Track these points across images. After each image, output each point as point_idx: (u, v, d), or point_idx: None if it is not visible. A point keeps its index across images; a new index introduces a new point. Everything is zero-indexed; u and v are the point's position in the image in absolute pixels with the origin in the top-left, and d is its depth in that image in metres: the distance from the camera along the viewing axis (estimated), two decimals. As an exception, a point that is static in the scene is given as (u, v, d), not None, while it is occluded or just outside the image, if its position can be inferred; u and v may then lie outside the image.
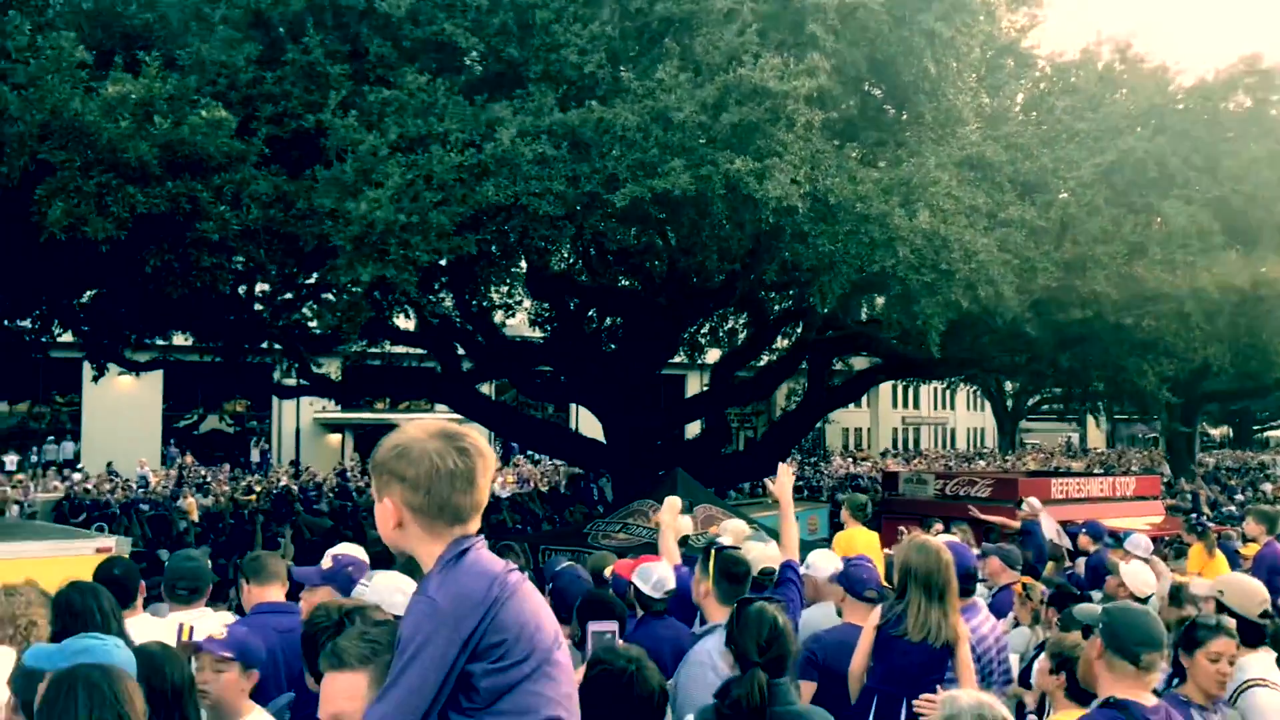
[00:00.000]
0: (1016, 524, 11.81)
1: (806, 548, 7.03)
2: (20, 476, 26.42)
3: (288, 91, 10.58)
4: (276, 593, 4.79)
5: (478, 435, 2.42)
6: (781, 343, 21.84)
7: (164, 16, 11.32)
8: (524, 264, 15.94)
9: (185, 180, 9.85)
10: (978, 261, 11.23)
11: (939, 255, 10.99)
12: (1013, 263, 12.07)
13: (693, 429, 24.58)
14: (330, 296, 14.71)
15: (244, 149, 10.19)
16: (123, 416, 32.27)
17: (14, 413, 35.30)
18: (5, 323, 15.65)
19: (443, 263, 12.93)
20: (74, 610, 3.84)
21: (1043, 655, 4.81)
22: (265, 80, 10.64)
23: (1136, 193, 14.75)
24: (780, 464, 6.41)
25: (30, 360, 17.93)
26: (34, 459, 33.12)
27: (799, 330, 19.74)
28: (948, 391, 58.51)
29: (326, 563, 4.74)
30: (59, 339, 16.86)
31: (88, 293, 15.12)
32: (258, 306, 15.50)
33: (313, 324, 16.60)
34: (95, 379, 18.05)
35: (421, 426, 2.40)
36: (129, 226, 9.70)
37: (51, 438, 34.86)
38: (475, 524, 2.38)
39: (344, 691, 2.38)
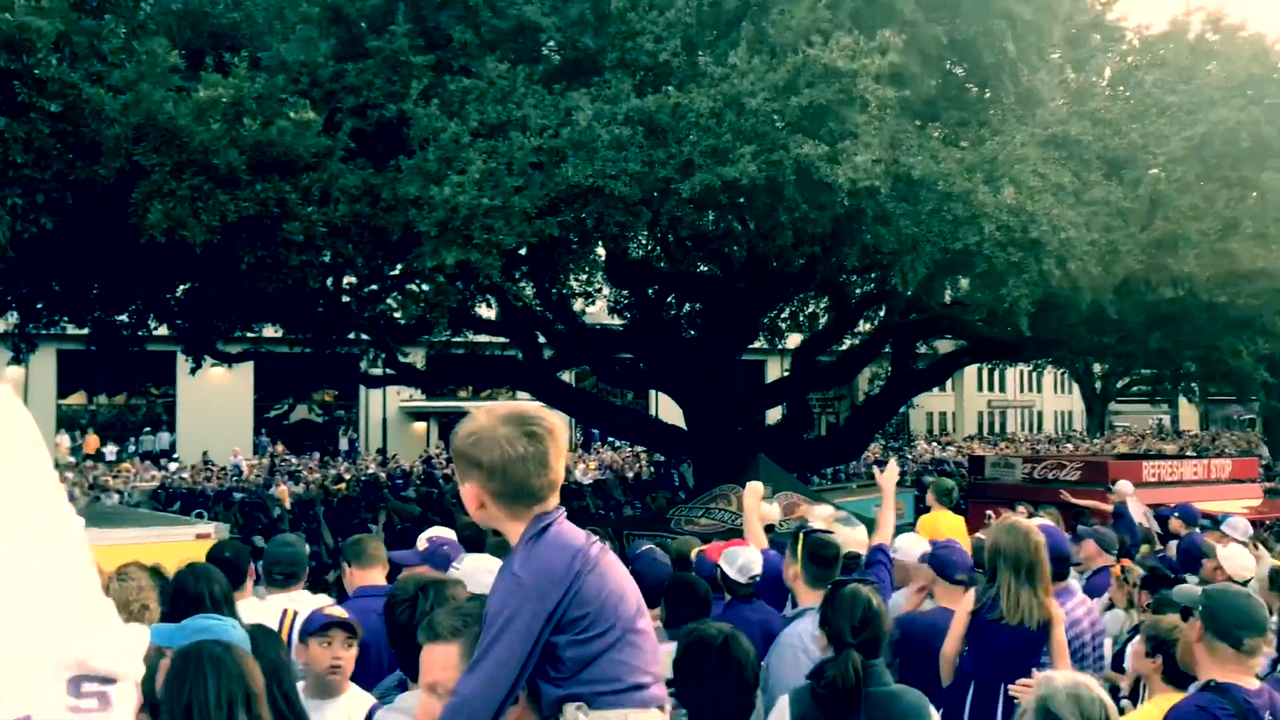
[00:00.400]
0: (1108, 507, 11.57)
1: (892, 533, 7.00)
2: (126, 466, 27.34)
3: (370, 82, 10.79)
4: (378, 576, 4.91)
5: (548, 414, 2.46)
6: (864, 326, 21.63)
7: (250, 15, 11.61)
8: (602, 251, 16.03)
9: (274, 182, 10.11)
10: (1066, 236, 11.01)
11: (1026, 231, 10.79)
12: (1099, 243, 11.80)
13: (773, 414, 24.49)
14: (414, 287, 14.98)
15: (330, 145, 10.43)
16: (215, 407, 33.19)
17: (113, 405, 36.55)
18: (104, 317, 16.21)
19: (522, 251, 13.06)
20: (188, 592, 3.99)
21: (1138, 638, 4.73)
22: (347, 73, 10.86)
23: (1229, 166, 14.28)
24: (891, 459, 6.55)
25: (128, 353, 18.51)
26: (131, 449, 34.26)
27: (881, 314, 19.53)
28: (1034, 374, 57.31)
29: (422, 544, 4.86)
30: (155, 333, 17.39)
31: (181, 287, 15.57)
32: (345, 298, 15.81)
33: (397, 314, 16.90)
34: (191, 371, 18.59)
35: (492, 412, 2.45)
36: (220, 233, 10.02)
37: (148, 428, 36.02)
38: (554, 499, 2.43)
39: (439, 662, 2.47)
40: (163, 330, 17.36)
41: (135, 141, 9.82)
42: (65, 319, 16.24)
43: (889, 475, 6.24)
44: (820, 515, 6.64)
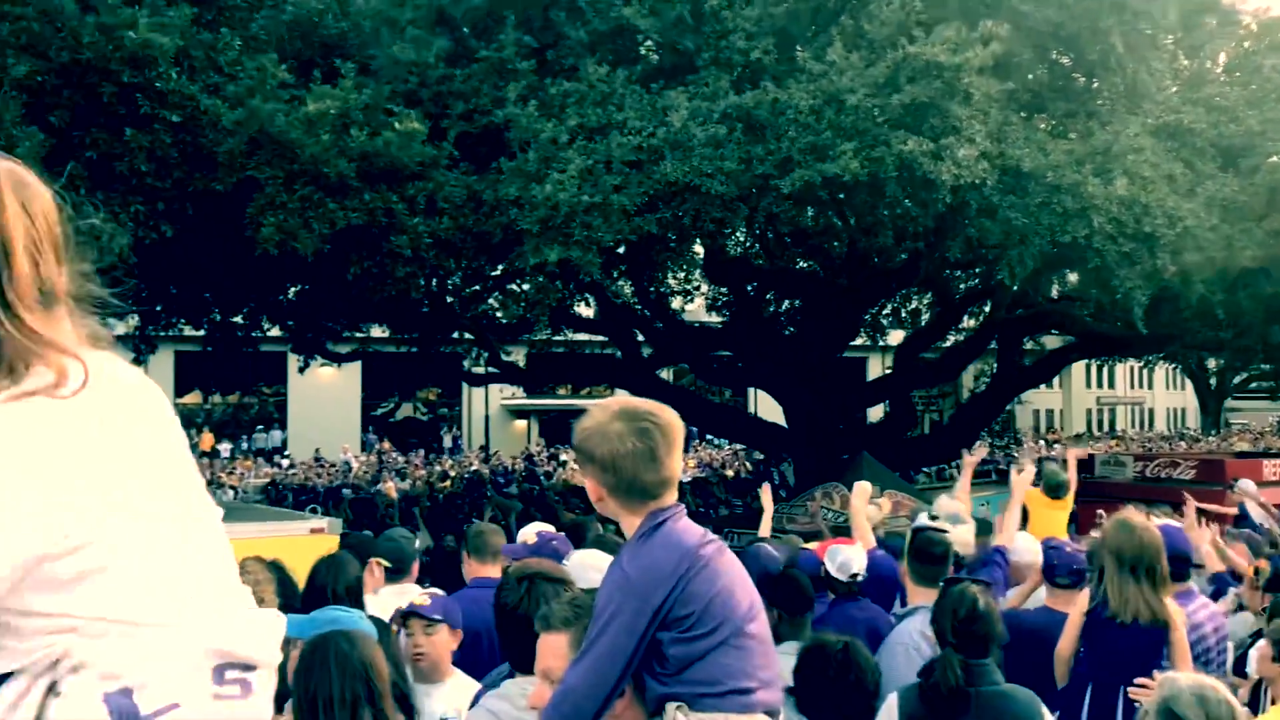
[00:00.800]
0: (1232, 509, 11.15)
1: (985, 529, 6.91)
2: (249, 463, 28.24)
3: (477, 88, 10.99)
4: (495, 569, 4.99)
5: (664, 411, 2.47)
6: (968, 322, 21.24)
7: (357, 24, 11.91)
8: (700, 248, 16.03)
9: (382, 191, 10.39)
10: (1184, 227, 10.66)
11: (1139, 223, 10.49)
12: (1220, 231, 11.41)
13: (875, 413, 24.20)
14: (515, 286, 15.20)
15: (435, 154, 10.66)
16: (324, 405, 34.09)
17: (227, 404, 37.79)
18: (219, 319, 16.78)
19: (620, 250, 13.16)
20: (317, 583, 4.12)
21: (1262, 641, 4.58)
22: (455, 78, 11.08)
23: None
24: (1027, 463, 6.55)
25: (241, 354, 19.13)
26: (244, 446, 35.36)
27: (986, 309, 19.16)
28: (1145, 370, 55.53)
29: (531, 539, 4.94)
30: (267, 334, 17.94)
31: (293, 290, 16.05)
32: (449, 299, 16.11)
33: (499, 314, 17.16)
34: (300, 370, 19.12)
35: (606, 408, 2.47)
36: (330, 241, 10.32)
37: (261, 426, 37.14)
38: (670, 495, 2.44)
39: (550, 650, 2.55)
40: (275, 331, 17.90)
41: (249, 154, 10.16)
42: (183, 321, 16.84)
43: (1020, 477, 6.20)
44: (945, 507, 6.57)
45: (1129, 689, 4.27)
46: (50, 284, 1.42)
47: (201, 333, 17.37)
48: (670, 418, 2.46)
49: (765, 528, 7.34)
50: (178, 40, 9.96)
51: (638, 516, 2.43)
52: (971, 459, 7.74)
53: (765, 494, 7.89)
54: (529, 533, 5.07)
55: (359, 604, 4.02)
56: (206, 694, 1.45)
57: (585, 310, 18.77)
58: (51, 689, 1.39)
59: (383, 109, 10.42)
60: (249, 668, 1.50)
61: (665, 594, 2.30)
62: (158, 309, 16.10)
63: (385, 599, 4.91)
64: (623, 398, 2.63)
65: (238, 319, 17.04)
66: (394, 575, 5.17)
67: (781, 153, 10.30)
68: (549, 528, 5.27)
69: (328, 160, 9.96)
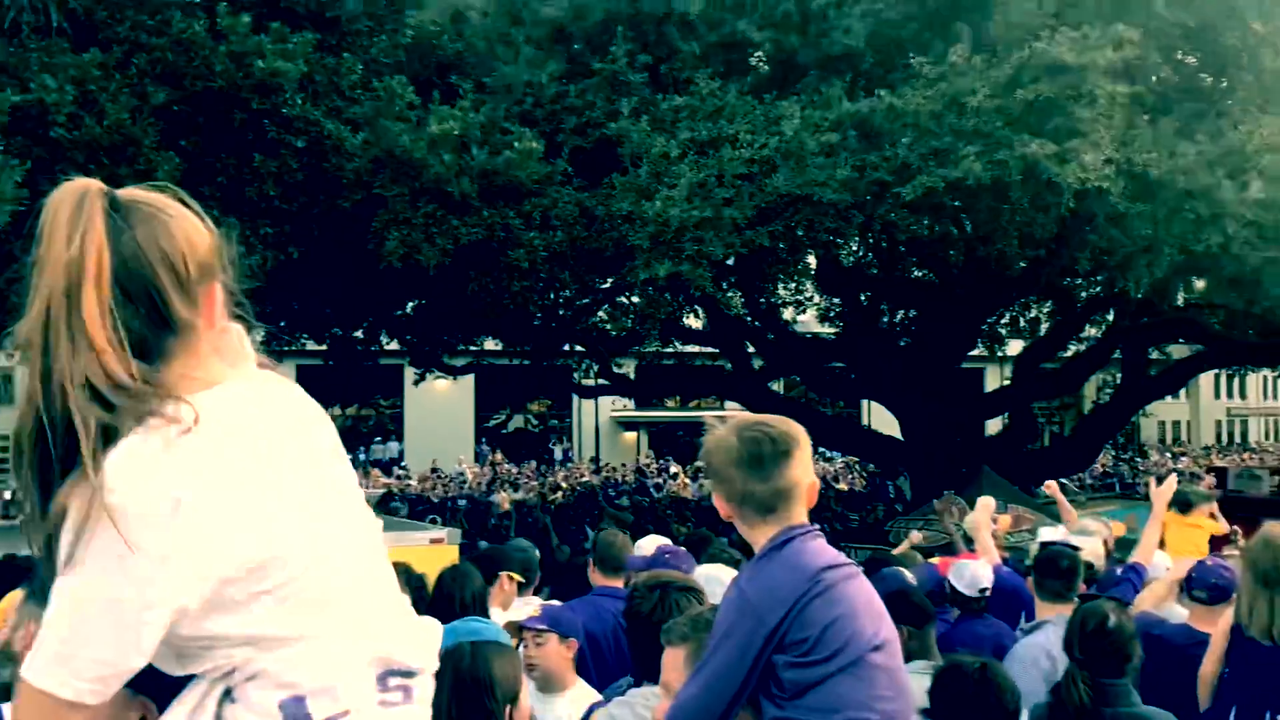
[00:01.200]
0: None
1: (1123, 546, 6.71)
2: (390, 479, 28.79)
3: (591, 102, 11.14)
4: (619, 579, 5.02)
5: (785, 426, 2.44)
6: (1090, 331, 20.59)
7: (472, 44, 12.18)
8: (812, 259, 15.90)
9: (499, 208, 10.62)
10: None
11: (1280, 225, 10.06)
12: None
13: (993, 425, 23.65)
14: (625, 299, 15.30)
15: (550, 170, 10.84)
16: (439, 417, 34.72)
17: (345, 415, 38.80)
18: (340, 334, 17.27)
19: (730, 261, 13.15)
20: (444, 592, 4.21)
21: None
22: (569, 94, 11.25)
23: None
24: (1172, 474, 6.37)
25: (361, 367, 19.64)
26: (362, 458, 36.23)
27: (1109, 318, 18.55)
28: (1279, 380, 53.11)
29: (650, 550, 4.96)
30: (385, 347, 18.38)
31: (410, 304, 16.43)
32: (561, 312, 16.29)
33: (608, 327, 17.29)
34: (416, 383, 19.54)
35: (729, 422, 2.48)
36: (452, 254, 10.57)
37: (378, 438, 38.02)
38: (794, 512, 2.40)
39: (670, 663, 2.55)
40: (393, 345, 18.34)
41: (373, 173, 10.48)
42: (305, 335, 17.37)
43: (1162, 490, 5.96)
44: (1086, 527, 6.40)
45: (1277, 715, 4.09)
46: (178, 315, 1.43)
47: (323, 347, 17.88)
48: (786, 429, 2.43)
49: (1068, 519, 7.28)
50: (302, 66, 10.33)
51: (760, 534, 2.41)
52: (1052, 487, 7.78)
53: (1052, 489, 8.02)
54: (648, 545, 5.09)
55: (484, 613, 4.09)
56: (373, 700, 1.49)
57: (695, 322, 18.76)
58: (228, 694, 1.46)
59: (500, 127, 10.65)
60: (409, 674, 1.54)
61: (781, 616, 2.27)
62: (281, 324, 16.64)
63: (518, 611, 4.97)
64: (741, 414, 2.62)
65: (358, 333, 17.50)
66: (521, 588, 5.24)
67: (898, 159, 10.18)
68: (667, 541, 5.29)
69: (450, 179, 10.22)
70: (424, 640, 1.61)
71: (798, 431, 2.45)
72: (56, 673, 1.34)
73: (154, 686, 1.49)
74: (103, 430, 1.35)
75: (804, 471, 2.43)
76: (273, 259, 10.51)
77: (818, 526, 2.46)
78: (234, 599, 1.40)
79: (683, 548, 5.10)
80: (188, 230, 1.46)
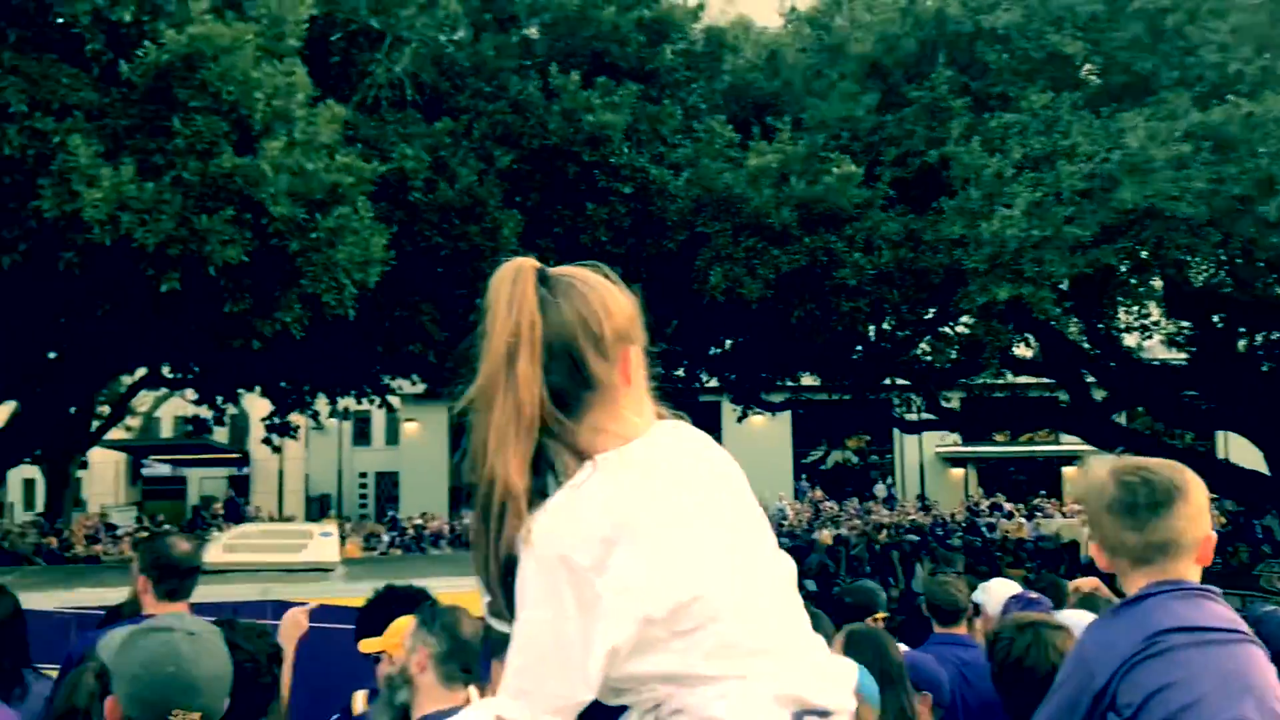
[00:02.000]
0: None
1: None
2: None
3: (910, 131, 11.00)
4: (961, 626, 4.83)
5: (1164, 465, 2.24)
6: None
7: (788, 82, 12.31)
8: (1158, 280, 14.77)
9: (820, 235, 10.65)
10: None
11: None
12: None
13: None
14: (948, 329, 14.82)
15: (870, 195, 10.75)
16: (758, 454, 34.91)
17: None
18: (663, 372, 17.78)
19: (1063, 286, 12.45)
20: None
21: None
22: (886, 125, 11.13)
23: None
24: None
25: (681, 405, 20.09)
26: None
27: None
28: None
29: (1000, 596, 4.73)
30: (705, 384, 18.75)
31: (729, 342, 16.69)
32: (884, 344, 16.01)
33: (930, 358, 16.79)
34: (739, 419, 19.77)
35: (1106, 463, 2.32)
36: (774, 285, 10.68)
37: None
38: (1173, 568, 2.18)
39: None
40: (711, 383, 18.67)
41: (696, 212, 10.80)
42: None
43: None
44: None
45: None
46: (596, 374, 1.58)
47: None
48: (1169, 475, 2.21)
49: None
50: (627, 116, 10.83)
51: (1133, 587, 2.22)
52: None
53: None
54: (997, 590, 4.87)
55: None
56: None
57: (1025, 351, 17.88)
58: None
59: (819, 156, 10.70)
60: (825, 714, 1.55)
61: (1110, 675, 2.08)
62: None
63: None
64: (1125, 457, 2.43)
65: (678, 371, 17.96)
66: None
67: (1260, 171, 9.28)
68: (1015, 585, 5.03)
69: (769, 211, 10.36)
70: (838, 680, 1.61)
71: (1186, 479, 2.22)
72: (522, 706, 1.47)
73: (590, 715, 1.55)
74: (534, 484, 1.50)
75: (1190, 524, 2.20)
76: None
77: (1204, 587, 2.19)
78: (658, 639, 1.46)
79: (1035, 593, 4.83)
80: (605, 299, 1.63)
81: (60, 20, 7.09)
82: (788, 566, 1.65)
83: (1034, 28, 10.91)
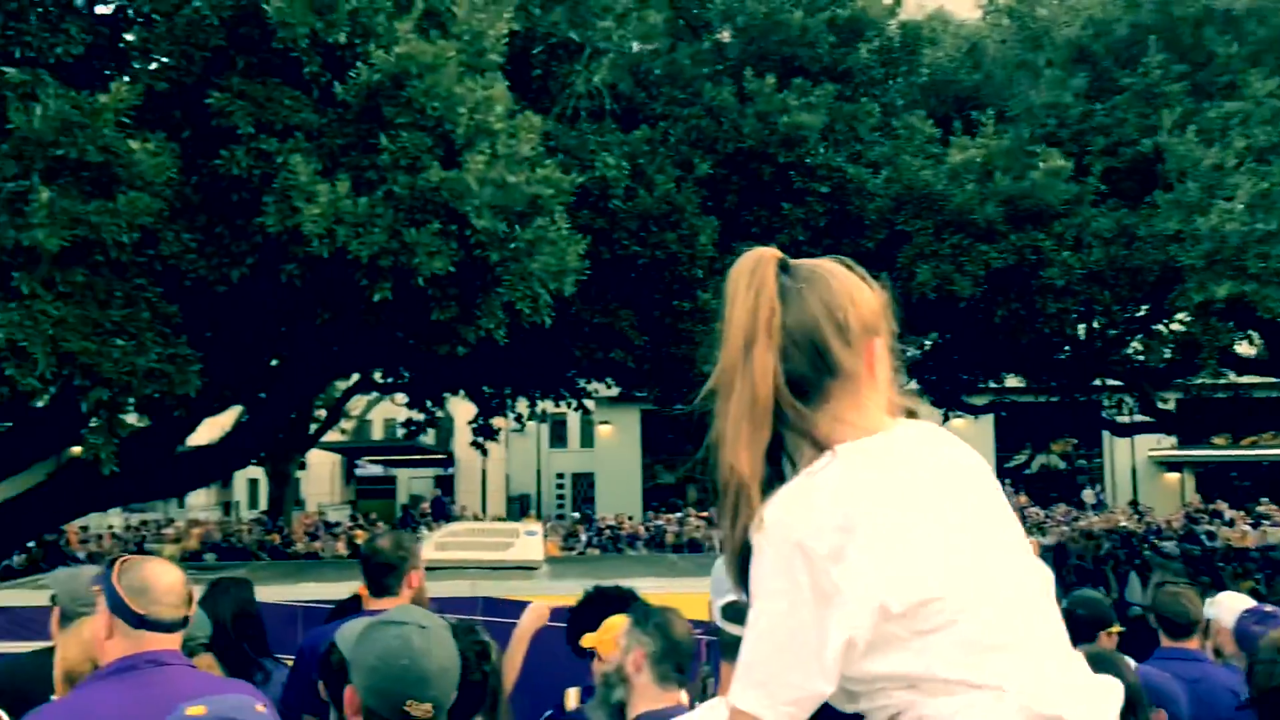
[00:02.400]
0: None
1: None
2: None
3: (1121, 120, 10.53)
4: (1191, 640, 4.59)
5: None
6: None
7: (990, 75, 11.97)
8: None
9: (1028, 231, 10.32)
10: None
11: None
12: None
13: None
14: (1162, 328, 14.07)
15: (1079, 190, 10.35)
16: (965, 458, 33.95)
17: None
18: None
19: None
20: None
21: None
22: (1095, 113, 10.70)
23: None
24: None
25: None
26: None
27: None
28: None
29: (1232, 610, 4.51)
30: (905, 387, 18.33)
31: (928, 342, 16.29)
32: (1096, 343, 15.33)
33: (1141, 357, 15.96)
34: (943, 422, 19.28)
35: None
36: (984, 283, 10.42)
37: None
38: None
39: None
40: (910, 385, 18.25)
41: (895, 210, 10.63)
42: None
43: None
44: None
45: None
46: (839, 361, 1.55)
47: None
48: None
49: None
50: (823, 116, 10.75)
51: None
52: None
53: None
54: (1228, 603, 4.63)
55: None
56: None
57: (1248, 349, 16.76)
58: None
59: (1025, 150, 10.37)
60: None
61: None
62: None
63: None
64: None
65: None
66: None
67: None
68: (1249, 599, 4.76)
69: (973, 207, 10.12)
70: (1097, 700, 1.50)
71: None
72: (758, 697, 1.45)
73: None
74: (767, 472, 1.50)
75: None
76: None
77: None
78: (896, 636, 1.42)
79: (1271, 606, 4.57)
80: (850, 288, 1.61)
81: (280, 45, 7.48)
82: (1044, 576, 1.55)
83: (1268, 7, 10.28)
